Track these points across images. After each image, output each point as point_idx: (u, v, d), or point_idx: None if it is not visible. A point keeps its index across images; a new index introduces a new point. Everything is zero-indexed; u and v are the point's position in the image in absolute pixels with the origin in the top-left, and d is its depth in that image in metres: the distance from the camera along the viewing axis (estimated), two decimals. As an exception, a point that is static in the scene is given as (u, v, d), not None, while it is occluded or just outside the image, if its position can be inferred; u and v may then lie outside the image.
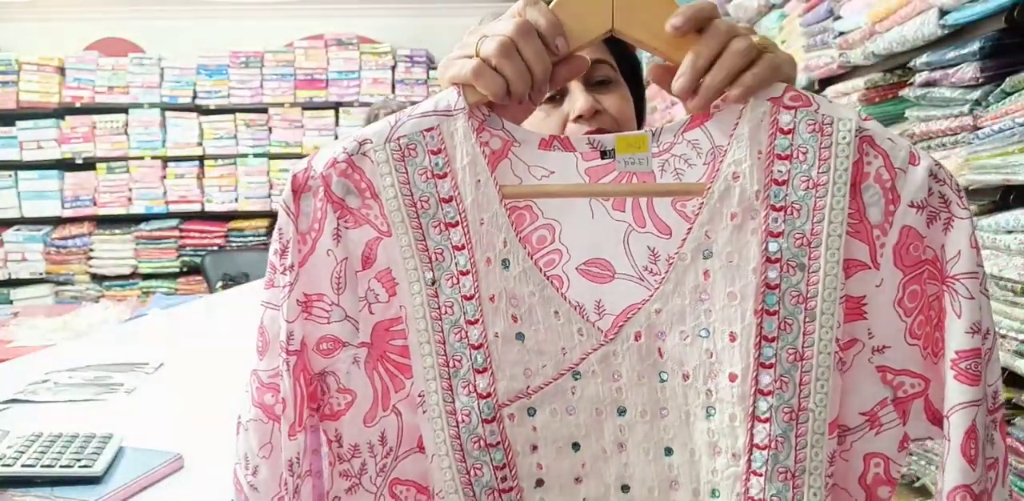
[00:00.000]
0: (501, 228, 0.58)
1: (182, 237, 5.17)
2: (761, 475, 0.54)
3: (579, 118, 0.84)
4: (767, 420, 0.54)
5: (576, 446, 0.59)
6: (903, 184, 0.54)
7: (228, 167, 5.20)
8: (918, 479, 1.50)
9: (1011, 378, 1.25)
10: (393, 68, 5.23)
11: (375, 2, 5.34)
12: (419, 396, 0.58)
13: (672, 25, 0.56)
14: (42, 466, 1.11)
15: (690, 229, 0.57)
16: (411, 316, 0.58)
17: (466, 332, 0.57)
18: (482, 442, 0.57)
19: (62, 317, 3.06)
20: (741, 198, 0.56)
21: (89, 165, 5.13)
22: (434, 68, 5.23)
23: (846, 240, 0.54)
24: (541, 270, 0.58)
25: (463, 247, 0.57)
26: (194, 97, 5.17)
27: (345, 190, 0.58)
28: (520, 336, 0.58)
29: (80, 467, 1.11)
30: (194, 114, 5.19)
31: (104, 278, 5.16)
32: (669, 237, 0.59)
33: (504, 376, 0.57)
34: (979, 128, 1.27)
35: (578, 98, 0.84)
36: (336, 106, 5.20)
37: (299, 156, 5.18)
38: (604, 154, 0.60)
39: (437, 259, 0.57)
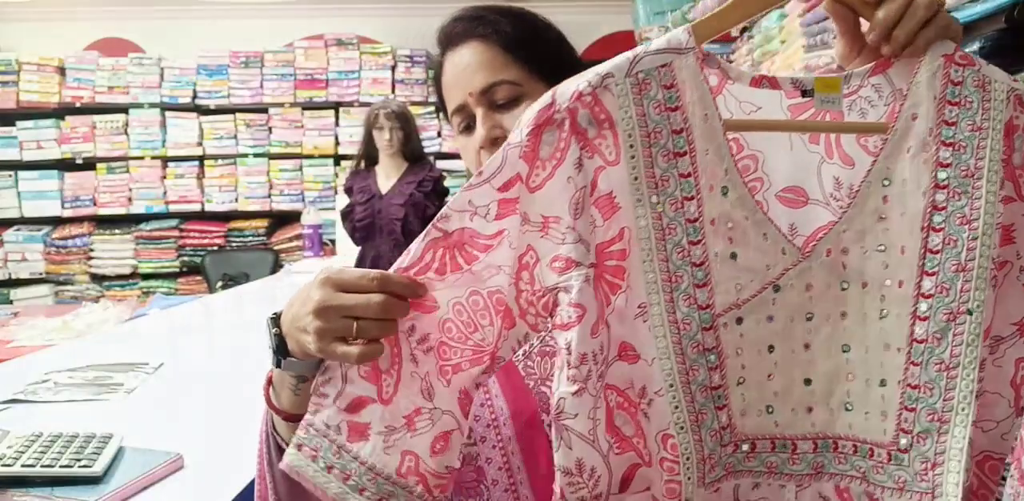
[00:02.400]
0: (723, 158, 0.64)
1: (182, 237, 5.17)
2: (918, 365, 0.64)
3: (482, 148, 0.87)
4: (926, 319, 0.64)
5: (771, 348, 0.68)
6: None
7: (228, 167, 5.20)
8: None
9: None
10: (393, 68, 5.23)
11: (375, 2, 5.35)
12: (639, 308, 0.65)
13: None
14: (42, 466, 1.11)
15: (875, 161, 0.66)
16: (635, 237, 0.64)
17: (688, 251, 0.64)
18: (700, 347, 0.65)
19: (62, 317, 3.06)
20: (917, 135, 0.64)
21: (89, 165, 5.13)
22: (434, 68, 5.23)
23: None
24: (752, 196, 0.66)
25: (689, 175, 0.64)
26: (194, 97, 5.17)
27: (587, 121, 0.63)
28: (734, 255, 0.66)
29: (80, 467, 1.12)
30: (194, 114, 5.19)
31: (104, 278, 5.16)
32: (852, 167, 0.68)
33: (720, 290, 0.65)
34: (979, 128, 1.27)
35: (478, 128, 0.87)
36: (336, 106, 5.20)
37: (299, 156, 5.19)
38: (804, 93, 0.68)
39: (662, 185, 0.63)
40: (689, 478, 0.65)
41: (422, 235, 0.69)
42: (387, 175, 3.43)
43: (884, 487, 0.66)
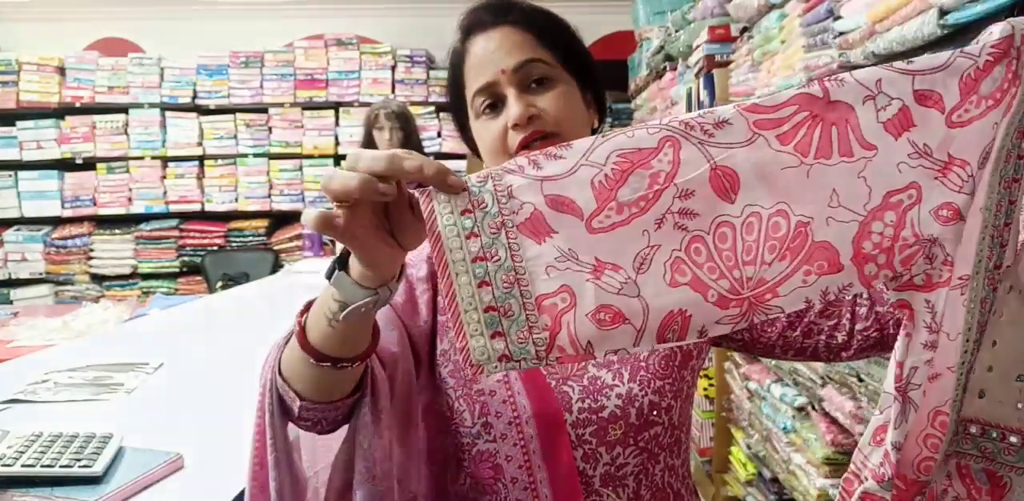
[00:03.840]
0: None
1: (182, 237, 5.17)
2: None
3: (515, 126, 0.86)
4: None
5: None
6: None
7: (228, 167, 5.20)
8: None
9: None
10: (393, 68, 5.23)
11: (375, 2, 5.35)
12: (959, 279, 0.59)
13: None
14: (42, 466, 1.11)
15: None
16: (976, 206, 0.57)
17: (1000, 232, 0.59)
18: (982, 328, 0.60)
19: (62, 317, 3.06)
20: None
21: (89, 165, 5.13)
22: (434, 68, 5.24)
23: None
24: None
25: (1022, 157, 0.58)
26: (194, 97, 5.17)
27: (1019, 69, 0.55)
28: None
29: (80, 467, 1.12)
30: (194, 114, 5.20)
31: (104, 278, 5.16)
32: None
33: (1002, 276, 0.61)
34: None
35: (512, 106, 0.86)
36: (336, 106, 5.21)
37: (299, 156, 5.19)
38: None
39: (1004, 160, 0.57)
40: (941, 456, 0.62)
41: (798, 87, 0.58)
42: (387, 175, 3.43)
43: (1015, 467, 0.68)
